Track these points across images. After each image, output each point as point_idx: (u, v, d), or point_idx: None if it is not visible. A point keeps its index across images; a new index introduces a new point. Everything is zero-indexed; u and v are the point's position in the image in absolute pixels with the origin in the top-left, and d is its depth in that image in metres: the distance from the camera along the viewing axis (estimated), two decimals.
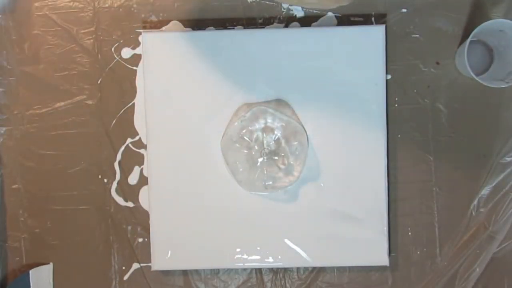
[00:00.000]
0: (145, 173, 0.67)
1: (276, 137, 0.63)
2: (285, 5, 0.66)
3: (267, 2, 0.66)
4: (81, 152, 0.67)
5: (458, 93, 0.65)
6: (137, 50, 0.67)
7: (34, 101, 0.67)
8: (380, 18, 0.65)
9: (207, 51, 0.64)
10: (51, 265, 0.67)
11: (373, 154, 0.63)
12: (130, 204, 0.67)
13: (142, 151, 0.67)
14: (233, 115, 0.64)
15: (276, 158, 0.63)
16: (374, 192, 0.64)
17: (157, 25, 0.67)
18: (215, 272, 0.67)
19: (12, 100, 0.67)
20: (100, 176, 0.67)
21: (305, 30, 0.65)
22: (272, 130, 0.63)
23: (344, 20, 0.66)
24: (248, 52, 0.64)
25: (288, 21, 0.66)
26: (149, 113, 0.64)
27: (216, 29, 0.66)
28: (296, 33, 0.64)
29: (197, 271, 0.67)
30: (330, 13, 0.66)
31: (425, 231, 0.66)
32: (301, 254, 0.64)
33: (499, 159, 0.65)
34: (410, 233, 0.66)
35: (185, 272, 0.67)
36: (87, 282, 0.67)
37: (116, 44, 0.67)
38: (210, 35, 0.64)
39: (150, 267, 0.66)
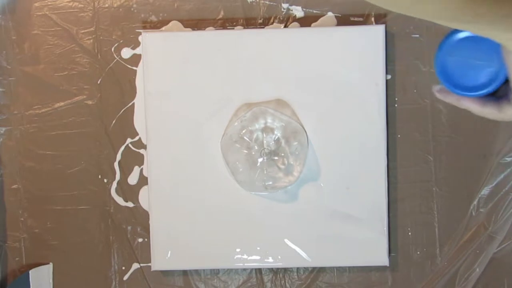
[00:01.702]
0: (145, 173, 0.67)
1: (276, 137, 0.63)
2: (285, 5, 0.66)
3: (267, 2, 0.66)
4: (81, 152, 0.67)
5: None
6: (137, 50, 0.67)
7: (34, 101, 0.67)
8: (380, 18, 0.65)
9: (207, 51, 0.64)
10: (51, 265, 0.67)
11: (373, 154, 0.63)
12: (130, 204, 0.67)
13: (142, 151, 0.67)
14: (233, 115, 0.64)
15: (276, 158, 0.63)
16: (374, 192, 0.64)
17: (157, 25, 0.67)
18: (215, 272, 0.67)
19: (12, 100, 0.67)
20: (100, 176, 0.67)
21: (305, 30, 0.65)
22: (272, 130, 0.63)
23: (344, 20, 0.66)
24: (248, 52, 0.64)
25: (288, 21, 0.66)
26: (149, 113, 0.64)
27: (216, 29, 0.66)
28: (296, 33, 0.64)
29: (197, 271, 0.67)
30: (330, 13, 0.66)
31: (425, 231, 0.66)
32: (301, 254, 0.64)
33: (499, 159, 0.65)
34: (410, 233, 0.66)
35: (185, 272, 0.67)
36: (87, 282, 0.67)
37: (116, 44, 0.67)
38: (210, 35, 0.64)
39: (150, 267, 0.66)
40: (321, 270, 0.66)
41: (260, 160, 0.63)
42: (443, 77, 0.51)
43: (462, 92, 0.51)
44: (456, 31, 0.50)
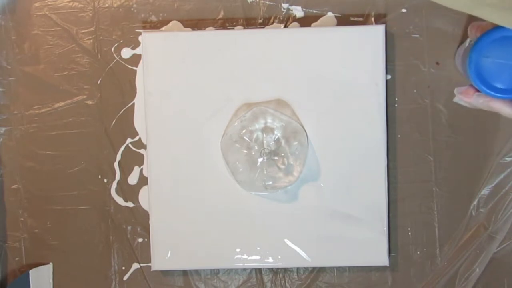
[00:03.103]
0: (145, 173, 0.67)
1: (276, 137, 0.63)
2: (285, 5, 0.66)
3: (267, 2, 0.66)
4: (81, 152, 0.67)
5: None
6: (137, 50, 0.67)
7: (34, 101, 0.67)
8: (380, 18, 0.65)
9: (207, 51, 0.64)
10: (50, 265, 0.67)
11: (373, 154, 0.63)
12: (130, 204, 0.67)
13: (142, 151, 0.67)
14: (233, 115, 0.64)
15: (276, 158, 0.63)
16: (374, 192, 0.64)
17: (157, 25, 0.67)
18: (215, 272, 0.67)
19: (12, 100, 0.67)
20: (100, 176, 0.67)
21: (305, 30, 0.65)
22: (272, 130, 0.63)
23: (344, 20, 0.66)
24: (248, 52, 0.64)
25: (288, 21, 0.66)
26: (149, 113, 0.64)
27: (216, 29, 0.66)
28: (296, 33, 0.64)
29: (197, 271, 0.67)
30: (330, 13, 0.66)
31: (425, 231, 0.66)
32: (301, 254, 0.64)
33: (499, 159, 0.65)
34: (410, 233, 0.66)
35: (185, 272, 0.67)
36: (87, 282, 0.67)
37: (116, 44, 0.67)
38: (210, 35, 0.64)
39: (150, 267, 0.66)
40: (321, 270, 0.66)
41: (260, 160, 0.63)
42: (477, 78, 0.50)
43: (496, 94, 0.50)
44: (491, 31, 0.49)
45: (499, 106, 0.50)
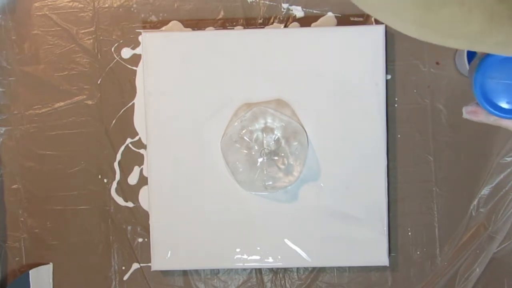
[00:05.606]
0: (145, 173, 0.67)
1: (276, 137, 0.63)
2: (285, 5, 0.66)
3: (267, 2, 0.66)
4: (81, 152, 0.67)
5: (458, 93, 0.65)
6: (137, 50, 0.67)
7: (34, 101, 0.67)
8: None
9: (207, 51, 0.64)
10: (50, 265, 0.67)
11: (373, 154, 0.63)
12: (130, 204, 0.67)
13: (142, 151, 0.67)
14: (233, 115, 0.64)
15: (276, 158, 0.63)
16: (374, 192, 0.64)
17: (157, 25, 0.67)
18: (215, 272, 0.67)
19: (12, 100, 0.67)
20: (100, 176, 0.67)
21: (305, 30, 0.65)
22: (272, 130, 0.63)
23: (344, 20, 0.66)
24: (248, 52, 0.64)
25: (288, 21, 0.66)
26: (149, 113, 0.64)
27: (216, 29, 0.66)
28: (296, 33, 0.64)
29: (197, 271, 0.67)
30: (330, 13, 0.66)
31: (425, 231, 0.66)
32: (301, 254, 0.64)
33: (499, 159, 0.65)
34: (410, 233, 0.66)
35: (185, 272, 0.67)
36: (87, 282, 0.67)
37: (116, 44, 0.67)
38: (210, 35, 0.64)
39: (150, 267, 0.66)
40: (321, 270, 0.66)
41: (260, 160, 0.63)
42: (483, 99, 0.50)
43: (502, 115, 0.50)
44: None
45: (509, 124, 0.50)
